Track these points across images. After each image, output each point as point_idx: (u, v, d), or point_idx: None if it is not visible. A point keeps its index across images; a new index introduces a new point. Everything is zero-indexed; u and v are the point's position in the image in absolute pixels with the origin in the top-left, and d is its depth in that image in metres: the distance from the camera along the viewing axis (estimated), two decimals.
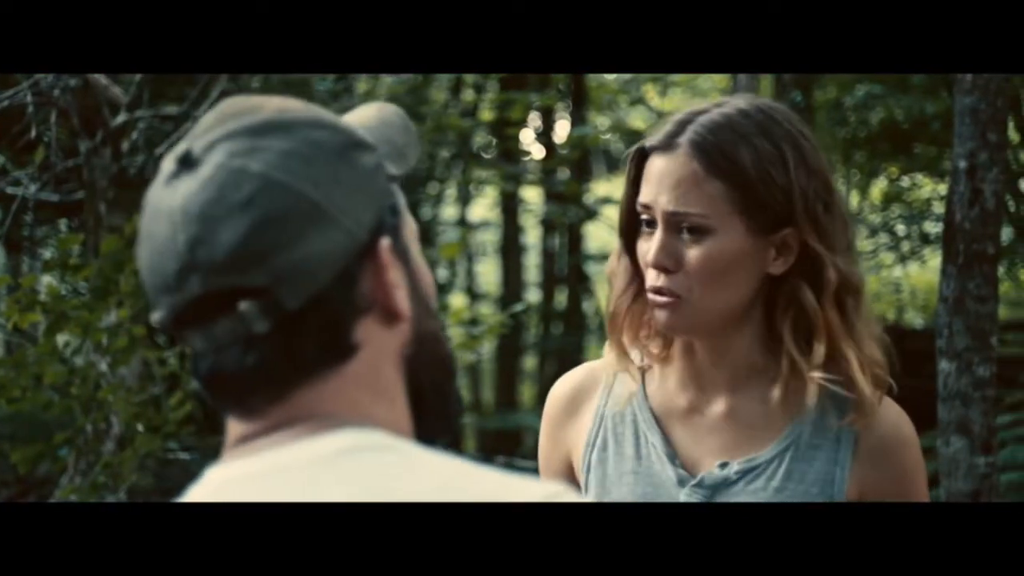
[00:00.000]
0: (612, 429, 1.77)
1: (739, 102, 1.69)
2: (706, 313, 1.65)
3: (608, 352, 1.78)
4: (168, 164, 1.00)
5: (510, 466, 9.65)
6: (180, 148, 1.00)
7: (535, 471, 1.88)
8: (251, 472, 0.98)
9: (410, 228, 1.06)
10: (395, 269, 1.01)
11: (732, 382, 1.71)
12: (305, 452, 0.97)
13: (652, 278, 1.66)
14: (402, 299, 1.02)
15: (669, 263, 1.64)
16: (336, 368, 1.00)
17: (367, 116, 1.10)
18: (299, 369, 0.99)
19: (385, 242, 1.01)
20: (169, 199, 0.98)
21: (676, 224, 1.64)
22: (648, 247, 1.67)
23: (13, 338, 4.23)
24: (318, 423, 0.99)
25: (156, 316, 1.00)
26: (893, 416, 1.69)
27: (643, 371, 1.77)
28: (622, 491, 1.73)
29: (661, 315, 1.66)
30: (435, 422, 1.08)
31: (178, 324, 0.99)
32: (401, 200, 1.05)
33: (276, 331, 0.97)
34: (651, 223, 1.67)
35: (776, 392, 1.67)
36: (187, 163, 0.99)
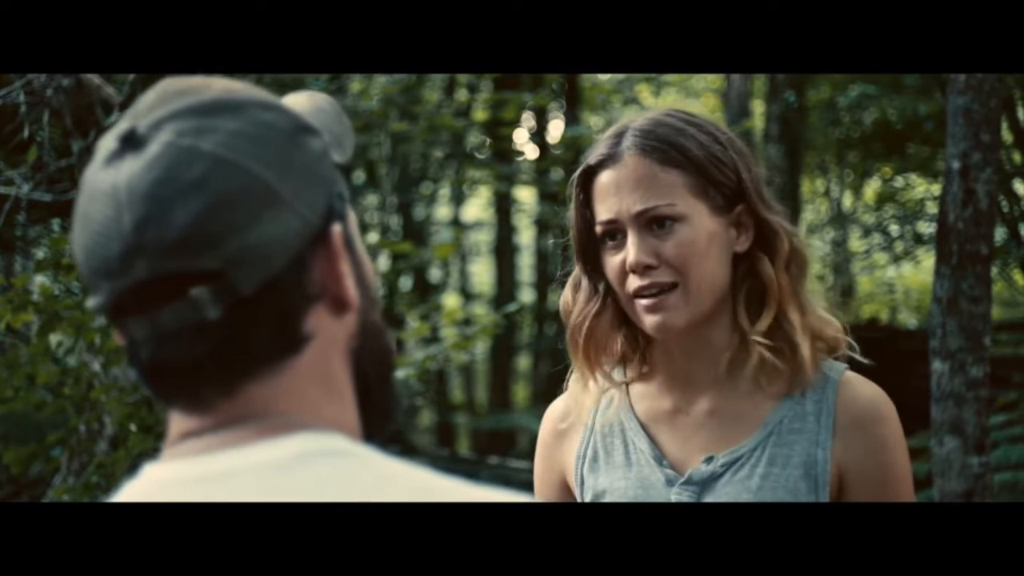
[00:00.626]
0: (601, 441, 1.80)
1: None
2: (695, 300, 1.69)
3: (575, 376, 1.81)
4: (108, 144, 0.94)
5: (503, 466, 9.65)
6: (122, 127, 0.94)
7: (529, 471, 1.89)
8: (198, 474, 0.94)
9: (353, 217, 1.03)
10: (345, 257, 0.98)
11: (712, 379, 1.74)
12: (258, 456, 0.93)
13: (635, 280, 1.69)
14: (351, 288, 0.98)
15: (650, 259, 1.68)
16: (288, 360, 0.95)
17: (300, 104, 1.04)
18: (251, 359, 0.94)
19: (337, 228, 0.97)
20: (111, 179, 0.92)
21: (647, 222, 1.69)
22: (618, 258, 1.71)
23: (6, 338, 4.22)
24: (271, 423, 0.95)
25: (94, 302, 0.94)
26: (870, 393, 1.73)
27: (627, 383, 1.80)
28: (614, 497, 1.75)
29: (653, 317, 1.69)
30: (379, 416, 1.05)
31: (118, 310, 0.94)
32: (345, 188, 1.02)
33: (228, 318, 0.92)
34: (614, 235, 1.71)
35: (722, 363, 1.72)
36: (131, 142, 0.93)
